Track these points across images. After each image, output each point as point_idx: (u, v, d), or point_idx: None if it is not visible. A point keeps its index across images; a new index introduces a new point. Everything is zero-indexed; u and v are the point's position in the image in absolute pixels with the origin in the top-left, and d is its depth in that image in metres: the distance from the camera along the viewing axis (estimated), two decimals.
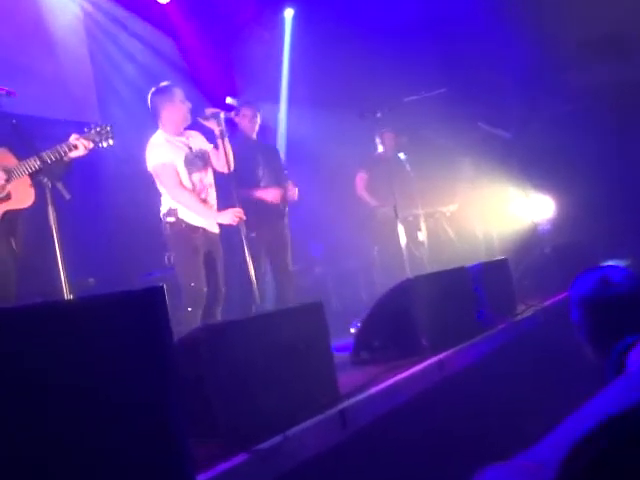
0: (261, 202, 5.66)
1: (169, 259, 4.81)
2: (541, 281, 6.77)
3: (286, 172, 6.04)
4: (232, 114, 5.27)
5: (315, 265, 8.07)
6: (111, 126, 4.32)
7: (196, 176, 4.88)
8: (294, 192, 5.81)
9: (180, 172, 4.81)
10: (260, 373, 2.84)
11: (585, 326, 2.19)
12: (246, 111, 5.83)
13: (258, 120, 5.92)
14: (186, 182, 4.81)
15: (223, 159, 4.99)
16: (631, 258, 7.17)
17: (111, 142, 4.29)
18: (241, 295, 5.41)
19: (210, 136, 5.13)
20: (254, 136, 5.91)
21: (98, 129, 4.27)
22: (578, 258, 6.55)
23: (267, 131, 8.29)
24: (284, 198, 5.77)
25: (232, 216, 4.89)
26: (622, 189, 8.32)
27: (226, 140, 5.00)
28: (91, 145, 4.21)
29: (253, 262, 4.93)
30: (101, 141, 4.26)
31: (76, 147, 4.14)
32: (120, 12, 7.04)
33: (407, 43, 8.46)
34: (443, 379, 3.86)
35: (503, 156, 8.10)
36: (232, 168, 4.99)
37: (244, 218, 4.92)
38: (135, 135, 5.26)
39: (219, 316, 4.90)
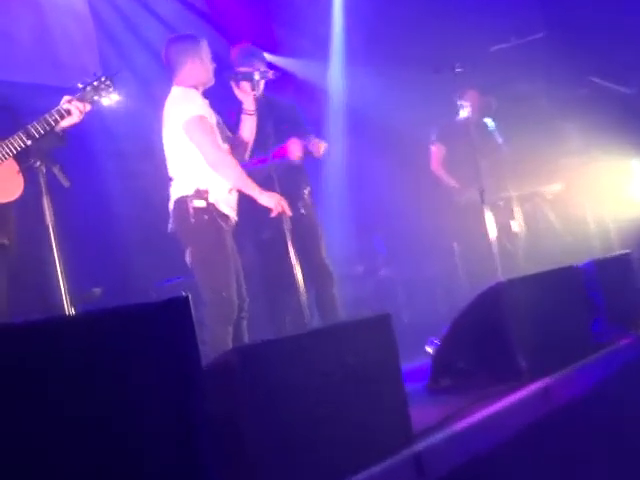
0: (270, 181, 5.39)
1: (190, 258, 4.81)
2: None
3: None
4: (270, 74, 5.29)
5: (380, 266, 8.06)
6: (112, 77, 4.31)
7: (224, 146, 4.97)
8: (319, 146, 5.71)
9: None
10: (310, 408, 2.84)
11: None
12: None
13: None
14: None
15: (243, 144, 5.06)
16: None
17: (115, 97, 4.30)
18: (271, 311, 5.44)
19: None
20: None
21: (95, 83, 4.27)
22: None
23: (315, 94, 8.31)
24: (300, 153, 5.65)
25: (277, 202, 4.90)
26: None
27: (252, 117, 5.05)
28: (88, 107, 4.20)
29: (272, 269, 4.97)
30: (100, 98, 4.26)
31: (69, 112, 4.13)
32: None
33: None
34: (548, 412, 3.81)
35: (622, 120, 7.96)
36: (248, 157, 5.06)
37: (289, 214, 4.95)
38: (148, 108, 5.33)
39: (246, 334, 4.91)
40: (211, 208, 4.76)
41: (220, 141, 4.93)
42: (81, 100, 4.19)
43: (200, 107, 4.84)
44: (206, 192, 4.76)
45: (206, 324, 4.63)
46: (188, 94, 4.88)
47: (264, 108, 5.59)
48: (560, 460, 3.66)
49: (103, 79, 4.29)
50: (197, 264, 4.79)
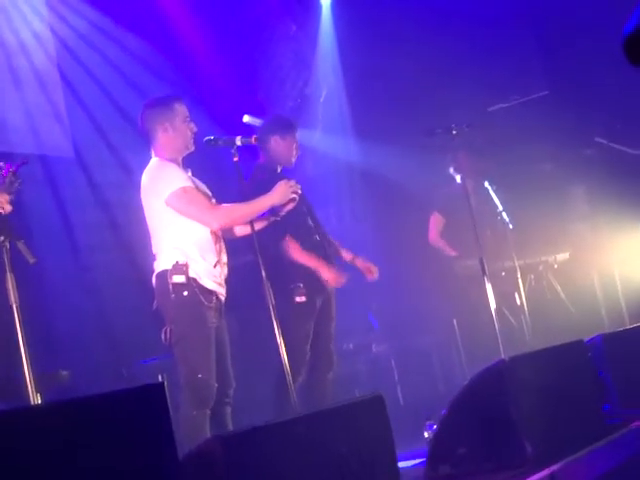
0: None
1: (168, 336, 4.81)
2: None
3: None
4: (252, 139, 5.35)
5: (372, 342, 8.06)
6: (15, 170, 4.30)
7: None
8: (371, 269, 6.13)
9: None
10: None
11: None
12: (286, 135, 5.97)
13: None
14: None
15: None
16: None
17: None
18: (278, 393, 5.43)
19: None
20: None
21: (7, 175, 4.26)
22: None
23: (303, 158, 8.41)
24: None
25: (287, 190, 5.06)
26: None
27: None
28: (7, 197, 4.19)
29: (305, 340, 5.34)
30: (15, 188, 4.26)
31: None
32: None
33: (491, 31, 8.53)
34: None
35: (631, 183, 8.06)
36: None
37: (299, 192, 5.14)
38: (121, 173, 5.40)
39: (230, 422, 4.90)
40: (192, 283, 4.78)
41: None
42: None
43: (179, 179, 4.88)
44: (186, 266, 4.78)
45: (180, 408, 4.61)
46: (165, 169, 4.93)
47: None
48: None
49: (11, 170, 4.29)
50: (174, 342, 4.79)
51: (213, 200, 5.14)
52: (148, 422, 2.19)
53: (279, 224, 5.47)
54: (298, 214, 5.77)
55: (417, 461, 4.92)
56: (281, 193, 5.10)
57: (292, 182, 5.14)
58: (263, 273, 4.94)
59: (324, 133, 9.03)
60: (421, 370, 7.97)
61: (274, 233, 5.59)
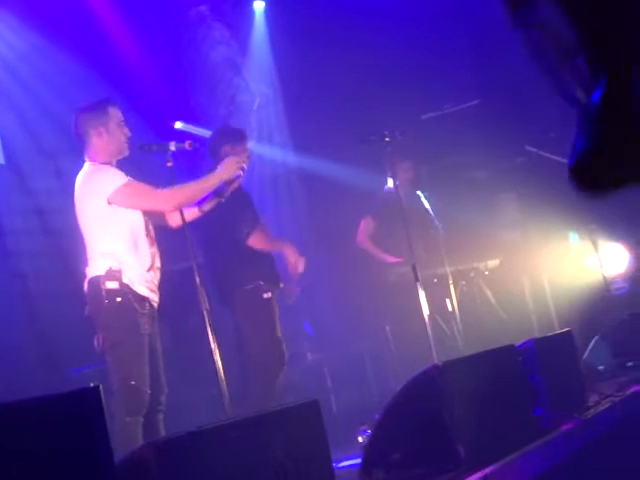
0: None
1: (100, 343, 4.77)
2: (619, 360, 6.78)
3: None
4: (186, 144, 5.33)
5: (307, 350, 8.06)
6: None
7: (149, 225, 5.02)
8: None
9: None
10: None
11: None
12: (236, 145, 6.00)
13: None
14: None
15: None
16: None
17: None
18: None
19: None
20: None
21: None
22: None
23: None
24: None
25: (234, 164, 5.14)
26: None
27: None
28: None
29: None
30: None
31: None
32: None
33: (425, 42, 8.60)
34: None
35: (561, 192, 8.16)
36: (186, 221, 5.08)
37: (245, 167, 5.26)
38: (54, 179, 5.34)
39: (162, 429, 4.88)
40: (125, 289, 4.74)
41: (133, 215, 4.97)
42: None
43: (118, 176, 4.87)
44: (119, 272, 4.75)
45: (115, 415, 4.57)
46: (102, 170, 4.90)
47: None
48: None
49: None
50: (107, 349, 4.75)
51: None
52: (84, 426, 2.17)
53: (237, 223, 5.75)
54: (253, 211, 6.06)
55: (351, 462, 4.95)
56: (229, 167, 5.15)
57: (239, 157, 5.17)
58: (197, 279, 4.93)
59: (259, 141, 9.04)
60: (354, 377, 7.99)
61: (234, 232, 5.84)
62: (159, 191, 4.99)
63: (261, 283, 5.93)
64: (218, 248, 5.85)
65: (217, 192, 5.25)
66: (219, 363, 4.89)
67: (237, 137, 6.13)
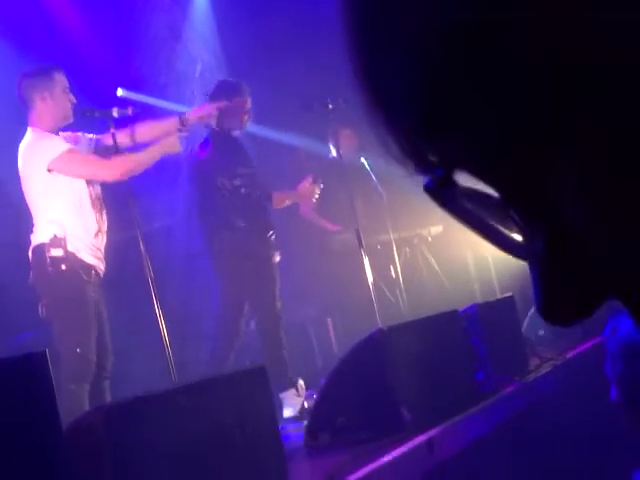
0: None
1: (44, 310, 4.76)
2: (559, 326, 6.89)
3: None
4: (129, 110, 5.30)
5: (250, 319, 8.06)
6: None
7: (91, 187, 4.97)
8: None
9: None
10: (182, 471, 2.85)
11: (627, 383, 2.23)
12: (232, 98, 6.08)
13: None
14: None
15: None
16: None
17: None
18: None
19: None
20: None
21: None
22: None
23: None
24: None
25: (176, 141, 5.18)
26: None
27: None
28: None
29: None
30: None
31: None
32: None
33: None
34: (433, 465, 3.91)
35: None
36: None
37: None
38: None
39: (108, 396, 4.89)
40: (70, 257, 4.73)
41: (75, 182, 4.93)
42: None
43: (60, 143, 4.83)
44: (63, 239, 4.72)
45: (60, 382, 4.57)
46: (44, 137, 4.85)
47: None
48: None
49: None
50: (52, 317, 4.75)
51: (108, 142, 5.14)
52: (31, 392, 2.17)
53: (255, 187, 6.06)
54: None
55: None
56: (173, 143, 5.15)
57: (179, 134, 5.18)
58: (142, 247, 4.93)
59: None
60: (298, 344, 8.02)
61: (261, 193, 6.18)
62: (101, 161, 4.96)
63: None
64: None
65: None
66: (164, 331, 4.91)
67: (231, 90, 6.20)
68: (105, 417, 2.76)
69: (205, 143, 6.12)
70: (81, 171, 4.87)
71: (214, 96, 6.11)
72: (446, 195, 0.57)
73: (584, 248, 0.51)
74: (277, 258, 6.21)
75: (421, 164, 0.57)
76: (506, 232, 0.57)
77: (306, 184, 6.21)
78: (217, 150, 5.96)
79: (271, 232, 6.16)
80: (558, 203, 0.50)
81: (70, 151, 4.82)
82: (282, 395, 5.57)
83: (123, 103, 5.73)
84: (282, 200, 6.42)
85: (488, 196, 0.56)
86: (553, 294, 0.54)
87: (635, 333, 2.24)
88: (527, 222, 0.54)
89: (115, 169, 4.97)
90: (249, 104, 6.20)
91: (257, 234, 6.06)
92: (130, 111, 5.25)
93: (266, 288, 6.01)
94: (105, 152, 5.14)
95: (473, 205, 0.57)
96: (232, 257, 5.97)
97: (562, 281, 0.53)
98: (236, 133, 6.23)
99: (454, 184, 0.56)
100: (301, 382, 5.66)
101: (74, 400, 4.53)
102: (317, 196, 5.45)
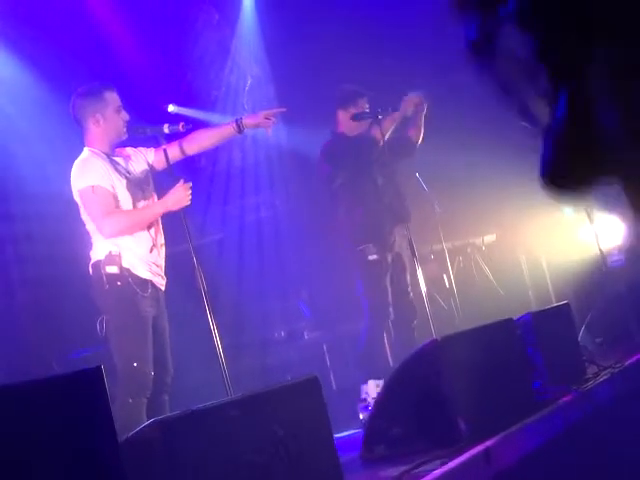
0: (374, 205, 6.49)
1: (103, 326, 4.83)
2: (617, 333, 6.82)
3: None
4: (180, 126, 5.34)
5: (304, 329, 8.09)
6: None
7: (142, 204, 4.99)
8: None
9: (121, 198, 4.90)
10: None
11: None
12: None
13: None
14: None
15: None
16: None
17: None
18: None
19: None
20: None
21: None
22: None
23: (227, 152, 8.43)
24: None
25: (183, 196, 4.98)
26: None
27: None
28: None
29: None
30: None
31: None
32: None
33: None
34: (491, 475, 3.88)
35: None
36: None
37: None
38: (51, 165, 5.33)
39: (167, 410, 4.91)
40: (125, 274, 4.79)
41: (129, 202, 4.94)
42: None
43: (96, 175, 4.86)
44: (118, 256, 4.79)
45: (117, 396, 4.62)
46: (87, 163, 4.90)
47: None
48: None
49: None
50: (110, 332, 4.82)
51: (149, 186, 5.13)
52: (87, 406, 2.20)
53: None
54: None
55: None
56: (178, 198, 4.98)
57: (188, 186, 5.05)
58: (194, 259, 4.95)
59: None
60: (354, 355, 8.02)
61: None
62: (108, 213, 4.86)
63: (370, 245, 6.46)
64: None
65: None
66: (218, 343, 4.92)
67: (346, 99, 6.56)
68: (161, 430, 2.79)
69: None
70: (89, 212, 4.89)
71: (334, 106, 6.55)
72: (487, 49, 0.58)
73: (600, 120, 0.51)
74: None
75: (483, 10, 0.58)
76: (529, 99, 0.58)
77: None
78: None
79: None
80: (588, 73, 0.51)
81: (94, 189, 4.83)
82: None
83: (174, 119, 5.78)
84: None
85: (521, 60, 0.57)
86: (562, 155, 0.55)
87: None
88: (556, 82, 0.55)
89: (110, 226, 4.85)
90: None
91: None
92: (181, 127, 5.25)
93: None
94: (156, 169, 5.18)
95: (507, 65, 0.59)
96: None
97: (573, 145, 0.54)
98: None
99: (496, 41, 0.58)
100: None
101: (131, 414, 4.57)
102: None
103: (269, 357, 7.53)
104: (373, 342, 6.56)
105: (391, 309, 6.52)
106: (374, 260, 6.45)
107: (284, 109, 5.78)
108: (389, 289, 6.54)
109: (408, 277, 6.53)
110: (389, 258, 6.50)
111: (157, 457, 2.69)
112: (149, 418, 4.64)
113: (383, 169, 6.54)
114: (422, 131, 6.73)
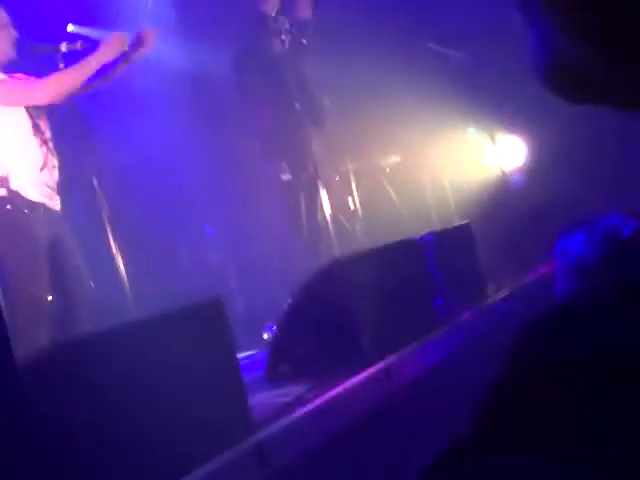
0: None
1: None
2: (517, 251, 6.96)
3: None
4: (78, 44, 5.19)
5: (209, 251, 8.06)
6: None
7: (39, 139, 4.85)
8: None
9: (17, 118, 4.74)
10: (140, 404, 2.86)
11: None
12: None
13: None
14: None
15: None
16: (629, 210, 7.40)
17: None
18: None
19: None
20: None
21: None
22: (563, 217, 6.75)
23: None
24: None
25: (117, 42, 4.91)
26: (617, 123, 8.56)
27: None
28: None
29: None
30: None
31: None
32: None
33: None
34: (392, 392, 3.95)
35: (459, 87, 8.24)
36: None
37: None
38: None
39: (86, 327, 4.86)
40: (13, 196, 4.63)
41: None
42: None
43: None
44: (6, 179, 4.62)
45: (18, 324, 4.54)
46: None
47: None
48: (402, 440, 3.81)
49: None
50: (1, 257, 4.67)
51: None
52: None
53: None
54: None
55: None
56: (111, 46, 4.93)
57: (122, 34, 4.97)
58: (95, 182, 4.87)
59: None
60: (259, 278, 8.03)
61: None
62: (36, 81, 4.76)
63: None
64: None
65: (102, 73, 5.04)
66: (122, 269, 4.88)
67: None
68: (61, 353, 2.77)
69: None
70: (14, 97, 4.69)
71: None
72: None
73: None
74: None
75: None
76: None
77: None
78: None
79: None
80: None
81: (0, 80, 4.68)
82: None
83: (72, 38, 5.61)
84: None
85: None
86: (554, 49, 0.55)
87: (584, 250, 2.27)
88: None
89: (49, 89, 4.72)
90: None
91: None
92: (79, 45, 5.11)
93: None
94: None
95: None
96: None
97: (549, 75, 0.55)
98: None
99: None
100: None
101: (32, 342, 4.49)
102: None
103: (174, 282, 7.49)
104: (285, 263, 6.62)
105: (305, 230, 6.56)
106: (288, 180, 6.44)
107: (159, 29, 5.54)
108: (303, 209, 6.55)
109: (319, 198, 6.51)
110: (304, 177, 6.50)
111: (57, 380, 2.67)
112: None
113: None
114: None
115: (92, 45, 5.39)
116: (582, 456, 0.37)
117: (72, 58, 5.18)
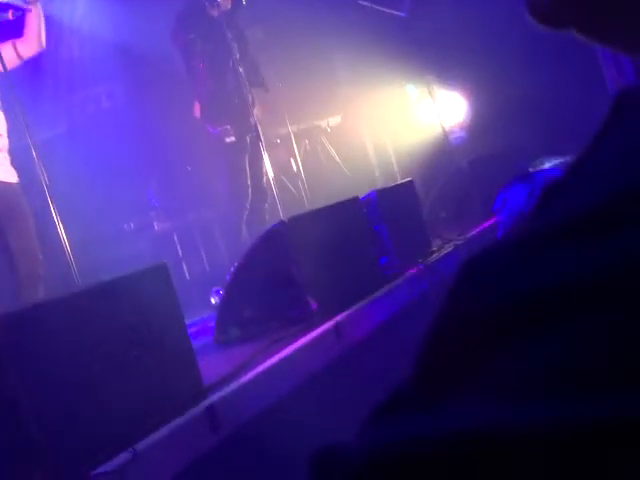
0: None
1: None
2: (460, 207, 7.01)
3: None
4: (9, 14, 5.10)
5: (154, 219, 8.01)
6: None
7: None
8: None
9: None
10: (90, 373, 2.84)
11: None
12: None
13: None
14: None
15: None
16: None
17: None
18: None
19: None
20: None
21: None
22: (504, 172, 6.80)
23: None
24: None
25: None
26: (555, 79, 8.59)
27: None
28: None
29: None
30: None
31: None
32: None
33: None
34: (341, 350, 3.98)
35: (396, 44, 8.23)
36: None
37: None
38: None
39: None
40: None
41: None
42: None
43: None
44: None
45: None
46: None
47: None
48: (353, 396, 3.83)
49: None
50: None
51: None
52: None
53: None
54: None
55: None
56: None
57: None
58: (34, 153, 4.80)
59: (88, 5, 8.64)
60: (205, 243, 8.02)
61: None
62: None
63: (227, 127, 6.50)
64: None
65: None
66: (64, 237, 4.83)
67: None
68: (5, 327, 2.73)
69: None
70: None
71: None
72: None
73: None
74: None
75: None
76: None
77: None
78: None
79: None
80: None
81: None
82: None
83: (3, 8, 5.50)
84: None
85: None
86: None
87: (525, 204, 2.29)
88: None
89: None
90: None
91: None
92: (11, 15, 5.01)
93: None
94: None
95: None
96: None
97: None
98: None
99: None
100: None
101: None
102: None
103: (119, 250, 7.43)
104: (231, 226, 6.62)
105: (250, 192, 6.56)
106: (232, 142, 6.43)
107: None
108: (248, 172, 6.54)
109: (262, 160, 6.49)
110: (247, 139, 6.47)
111: (3, 354, 2.64)
112: None
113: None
114: None
115: (23, 13, 5.29)
116: (517, 390, 0.37)
117: (4, 28, 5.08)
